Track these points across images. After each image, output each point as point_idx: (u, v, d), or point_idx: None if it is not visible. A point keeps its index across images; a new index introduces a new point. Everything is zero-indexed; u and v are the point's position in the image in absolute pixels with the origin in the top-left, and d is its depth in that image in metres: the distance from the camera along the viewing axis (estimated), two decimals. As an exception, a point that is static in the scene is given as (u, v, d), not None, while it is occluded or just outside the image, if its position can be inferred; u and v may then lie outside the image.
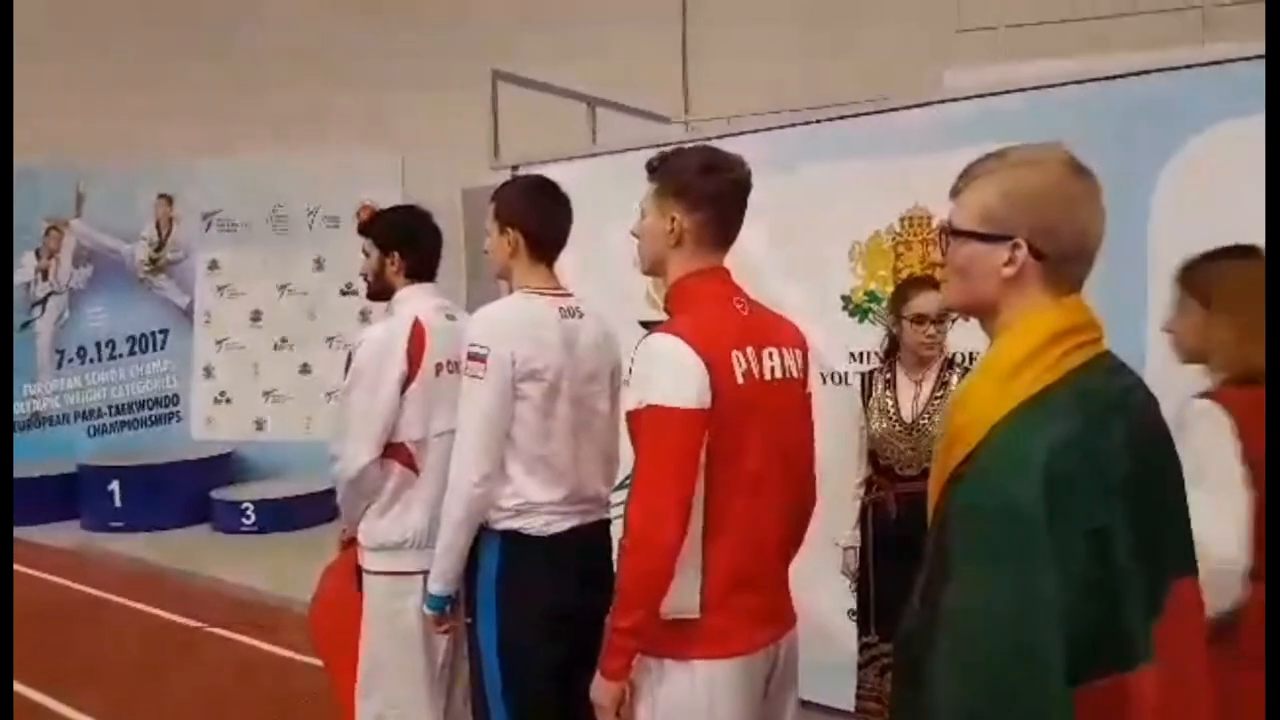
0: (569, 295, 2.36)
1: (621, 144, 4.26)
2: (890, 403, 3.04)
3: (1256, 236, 2.68)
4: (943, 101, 3.37)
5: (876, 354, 3.53)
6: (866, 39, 5.48)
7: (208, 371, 8.37)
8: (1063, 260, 1.27)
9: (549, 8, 6.83)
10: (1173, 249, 2.86)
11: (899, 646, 1.40)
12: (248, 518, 7.15)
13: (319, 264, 7.87)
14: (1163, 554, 1.25)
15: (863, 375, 3.19)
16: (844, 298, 3.54)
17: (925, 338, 2.93)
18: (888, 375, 3.10)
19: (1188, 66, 2.93)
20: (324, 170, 7.44)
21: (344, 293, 7.64)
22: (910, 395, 3.03)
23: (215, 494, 7.41)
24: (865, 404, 3.10)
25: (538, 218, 2.33)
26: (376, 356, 2.50)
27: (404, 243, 2.64)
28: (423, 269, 2.65)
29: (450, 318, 2.60)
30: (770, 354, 1.84)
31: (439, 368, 2.51)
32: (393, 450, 2.51)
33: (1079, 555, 1.15)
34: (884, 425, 3.02)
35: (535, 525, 2.23)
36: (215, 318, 8.33)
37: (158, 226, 8.50)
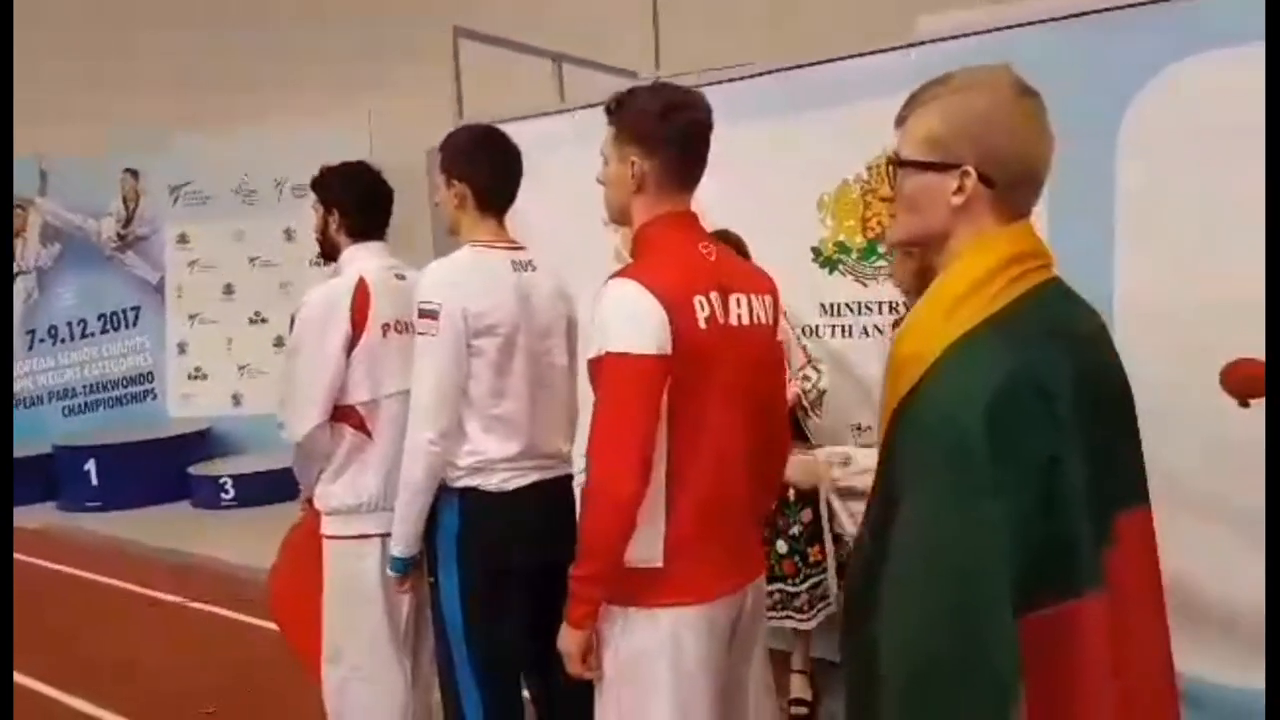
0: (521, 248, 2.31)
1: (589, 100, 4.20)
2: None
3: (1219, 167, 2.68)
4: (908, 46, 3.30)
5: (848, 305, 3.53)
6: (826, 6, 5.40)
7: (181, 348, 8.29)
8: (1011, 186, 1.24)
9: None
10: (1140, 186, 2.88)
11: (848, 580, 1.38)
12: (226, 492, 7.11)
13: (289, 235, 7.76)
14: (1113, 484, 1.23)
15: (894, 324, 3.18)
16: (813, 249, 3.49)
17: None
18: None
19: (1153, 1, 2.89)
20: (291, 139, 7.27)
21: (314, 263, 7.48)
22: None
23: (193, 470, 7.36)
24: None
25: (484, 169, 2.27)
26: (319, 318, 2.44)
27: (345, 199, 2.56)
28: (368, 227, 2.58)
29: (400, 277, 2.53)
30: (738, 300, 1.80)
31: (386, 328, 2.45)
32: (342, 413, 2.46)
33: (1026, 484, 1.13)
34: None
35: (493, 482, 2.20)
36: (187, 293, 8.24)
37: (125, 202, 8.37)
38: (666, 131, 1.78)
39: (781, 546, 3.27)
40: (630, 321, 1.68)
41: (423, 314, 2.14)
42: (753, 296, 1.84)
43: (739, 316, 1.80)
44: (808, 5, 5.66)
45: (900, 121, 1.31)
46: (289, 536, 2.75)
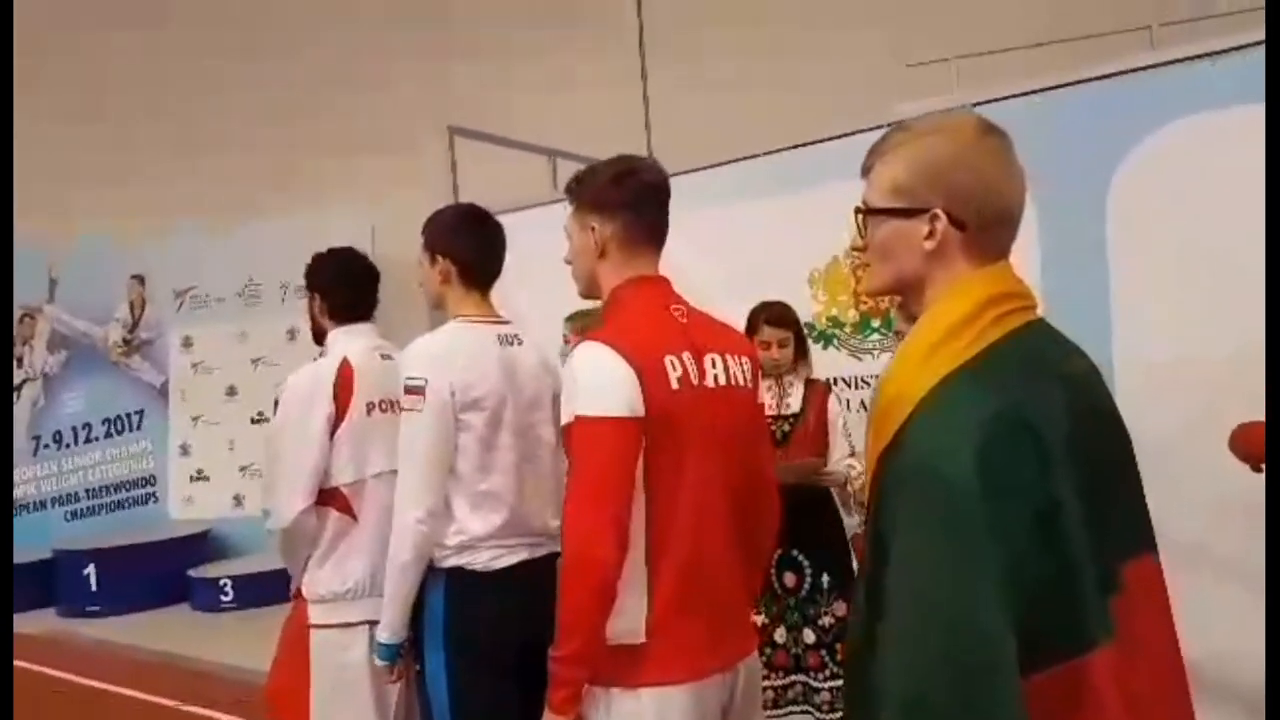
0: (506, 322, 2.31)
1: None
2: None
3: (1208, 231, 2.71)
4: (890, 125, 3.37)
5: (844, 380, 3.52)
6: (818, 76, 5.56)
7: (184, 449, 8.25)
8: (983, 227, 1.21)
9: (511, 69, 6.92)
10: (1131, 249, 2.90)
11: (846, 647, 1.33)
12: (226, 594, 6.98)
13: (292, 335, 7.79)
14: (1116, 529, 1.17)
15: None
16: (807, 324, 3.49)
17: None
18: None
19: (1135, 70, 2.96)
20: (294, 239, 7.43)
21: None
22: None
23: (193, 573, 7.24)
24: None
25: (468, 244, 2.29)
26: (303, 400, 2.43)
27: (327, 283, 2.59)
28: (353, 309, 2.59)
29: (386, 357, 2.53)
30: (713, 360, 1.77)
31: (370, 407, 2.44)
32: (327, 496, 2.43)
33: (1022, 533, 1.07)
34: None
35: (480, 560, 2.14)
36: (190, 395, 8.24)
37: (131, 307, 8.46)
38: (620, 195, 1.80)
39: (809, 636, 3.14)
40: (598, 384, 1.65)
41: (409, 390, 2.12)
42: (729, 357, 1.81)
43: (715, 377, 1.76)
44: (791, 98, 5.82)
45: (866, 171, 1.30)
46: (284, 629, 2.69)
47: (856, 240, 1.32)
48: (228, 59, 8.18)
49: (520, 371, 2.22)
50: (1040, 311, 1.26)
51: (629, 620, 1.67)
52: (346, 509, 2.43)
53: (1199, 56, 2.79)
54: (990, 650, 1.05)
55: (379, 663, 2.24)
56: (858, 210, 1.29)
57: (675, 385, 1.69)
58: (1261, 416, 2.01)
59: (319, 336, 2.63)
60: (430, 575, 2.16)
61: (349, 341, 2.53)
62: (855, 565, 3.14)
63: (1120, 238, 2.94)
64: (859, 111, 3.72)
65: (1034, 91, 3.13)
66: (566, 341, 3.65)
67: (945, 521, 1.08)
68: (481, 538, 2.14)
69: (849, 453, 3.17)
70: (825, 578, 3.12)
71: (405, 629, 2.19)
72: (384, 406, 2.44)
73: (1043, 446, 1.10)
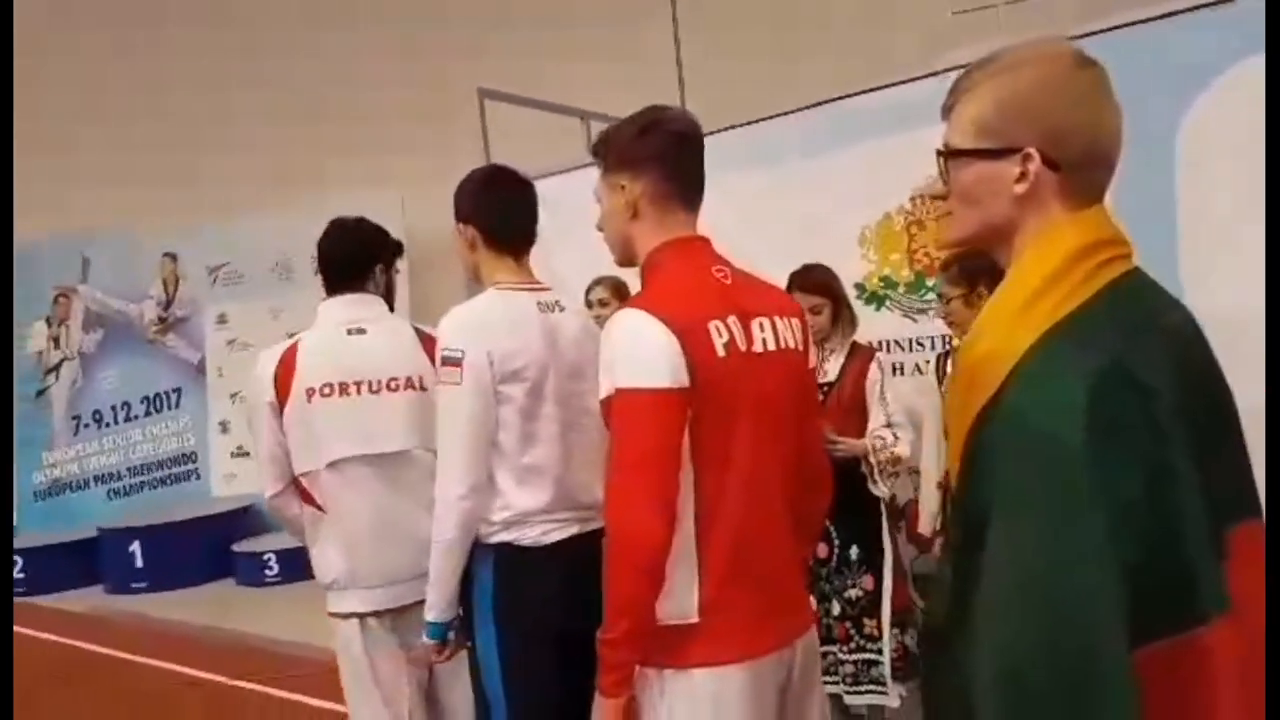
0: (546, 288, 2.20)
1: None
2: None
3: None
4: (944, 71, 3.22)
5: (897, 342, 3.39)
6: (865, 33, 5.36)
7: (223, 427, 8.29)
8: (1079, 167, 1.11)
9: (542, 36, 6.77)
10: (1201, 194, 2.74)
11: (929, 623, 1.23)
12: (270, 569, 7.02)
13: None
14: (1224, 492, 1.07)
15: (937, 359, 3.06)
16: (857, 285, 3.38)
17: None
18: None
19: (1197, 8, 2.78)
20: (325, 214, 7.35)
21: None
22: None
23: (236, 547, 7.29)
24: (940, 387, 2.97)
25: (493, 207, 2.17)
26: (253, 384, 2.37)
27: (320, 254, 2.47)
28: (339, 279, 2.44)
29: (358, 331, 2.38)
30: (760, 324, 1.66)
31: (311, 393, 2.30)
32: (294, 486, 2.37)
33: (1133, 496, 0.98)
34: None
35: (530, 536, 2.05)
36: (227, 371, 8.25)
37: (164, 285, 8.47)
38: (648, 148, 1.68)
39: (836, 608, 3.08)
40: (640, 354, 1.55)
41: (445, 362, 2.02)
42: (777, 319, 1.69)
43: (764, 342, 1.65)
44: (831, 47, 5.63)
45: (948, 110, 1.19)
46: None
47: (937, 187, 1.21)
48: (259, 33, 8.11)
49: (562, 339, 2.12)
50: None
51: (679, 600, 1.60)
52: (309, 499, 2.35)
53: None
54: (1097, 625, 0.97)
55: (427, 641, 2.15)
56: (940, 153, 1.18)
57: (722, 352, 1.59)
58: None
59: None
60: (478, 551, 2.08)
61: (327, 314, 2.42)
62: (886, 538, 3.08)
63: (1189, 186, 2.78)
64: (904, 64, 3.57)
65: (1093, 33, 2.96)
66: (590, 307, 3.55)
67: (1051, 486, 0.99)
68: (530, 513, 2.05)
69: (884, 422, 3.07)
70: (854, 549, 3.06)
71: (453, 607, 2.11)
72: (330, 390, 2.31)
73: (1152, 405, 1.01)
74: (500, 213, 2.17)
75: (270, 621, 5.82)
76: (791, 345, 1.71)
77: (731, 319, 1.63)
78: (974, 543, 1.05)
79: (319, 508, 2.34)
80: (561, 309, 2.17)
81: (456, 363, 2.00)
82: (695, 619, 1.60)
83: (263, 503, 7.61)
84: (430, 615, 2.11)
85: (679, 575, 1.58)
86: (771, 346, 1.67)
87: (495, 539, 2.06)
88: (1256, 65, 2.65)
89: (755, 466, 1.63)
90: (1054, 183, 1.10)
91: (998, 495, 1.03)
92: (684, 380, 1.55)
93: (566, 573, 2.05)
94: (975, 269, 2.85)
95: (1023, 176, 1.10)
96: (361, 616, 2.32)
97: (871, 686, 3.06)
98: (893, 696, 3.07)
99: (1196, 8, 2.81)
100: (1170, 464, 1.01)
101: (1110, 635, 0.96)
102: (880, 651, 3.06)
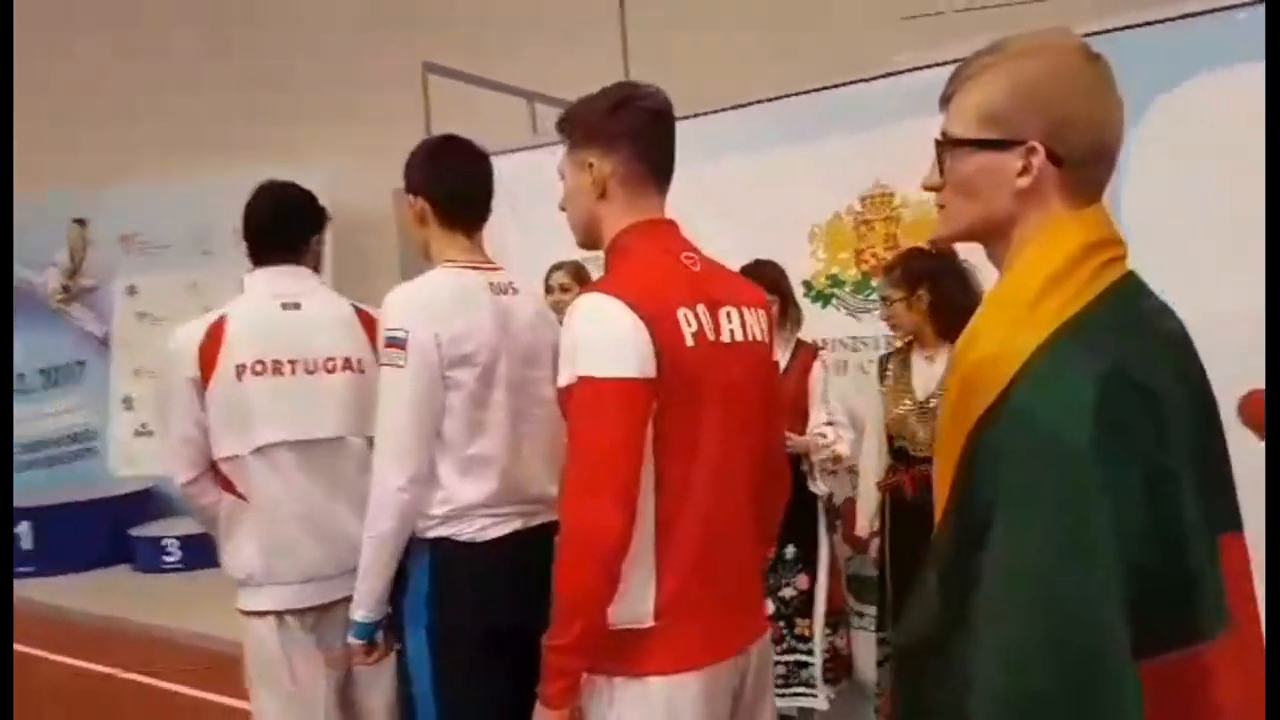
0: (499, 269, 2.08)
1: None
2: (905, 383, 2.93)
3: (1223, 189, 2.59)
4: (895, 73, 3.21)
5: (841, 342, 3.37)
6: (809, 34, 5.36)
7: (127, 403, 7.89)
8: (1082, 163, 1.08)
9: (486, 7, 6.59)
10: (1146, 210, 2.77)
11: (908, 632, 1.16)
12: (170, 555, 6.69)
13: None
14: (1214, 501, 1.05)
15: (880, 360, 3.07)
16: (805, 283, 3.35)
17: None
18: (904, 355, 2.99)
19: (1152, 23, 2.82)
20: (253, 184, 7.06)
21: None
22: (924, 373, 2.91)
23: (134, 531, 6.92)
24: (882, 388, 2.99)
25: (442, 178, 2.03)
26: (170, 362, 2.15)
27: (244, 223, 2.27)
28: (266, 250, 2.25)
29: (292, 306, 2.21)
30: (728, 313, 1.59)
31: (241, 370, 2.12)
32: (214, 472, 2.18)
33: (1140, 504, 0.95)
34: (903, 406, 2.92)
35: (469, 530, 1.93)
36: (134, 345, 7.85)
37: (71, 253, 8.03)
38: (619, 125, 1.60)
39: (770, 607, 3.04)
40: (605, 340, 1.46)
41: (389, 343, 1.89)
42: (745, 310, 1.63)
43: (731, 332, 1.59)
44: (777, 48, 5.62)
45: (947, 99, 1.15)
46: None
47: (930, 178, 1.15)
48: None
49: (515, 322, 2.00)
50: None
51: (635, 603, 1.51)
52: (229, 487, 2.17)
53: (1220, 9, 2.66)
54: (1104, 625, 0.93)
55: (354, 641, 2.01)
56: (938, 142, 1.13)
57: (690, 341, 1.51)
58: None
59: None
60: (413, 547, 1.95)
61: (254, 288, 2.23)
62: (823, 537, 3.06)
63: (1134, 201, 2.81)
64: (854, 63, 3.55)
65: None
66: (550, 293, 3.45)
67: (1060, 486, 0.95)
68: (471, 506, 1.93)
69: (826, 420, 3.07)
70: (790, 548, 3.03)
71: (383, 605, 1.98)
72: (262, 367, 2.14)
73: (1156, 409, 0.98)
74: (452, 185, 2.04)
75: (167, 611, 5.54)
76: (758, 337, 1.65)
77: (700, 307, 1.55)
78: (974, 544, 1.00)
79: (240, 496, 2.16)
80: (515, 291, 2.05)
81: (401, 344, 1.87)
82: (651, 623, 1.52)
83: (165, 485, 7.25)
84: (358, 614, 1.97)
85: (635, 576, 1.49)
86: (739, 337, 1.60)
87: (432, 534, 1.93)
88: (1207, 82, 2.69)
89: (721, 463, 1.55)
90: (1056, 178, 1.07)
91: (1002, 495, 0.99)
92: (651, 370, 1.46)
93: (507, 571, 1.94)
94: (917, 272, 2.85)
95: (1026, 170, 1.07)
96: (279, 614, 2.16)
97: (801, 689, 3.03)
98: (821, 699, 3.06)
99: (1148, 24, 2.84)
100: (1173, 469, 0.98)
101: (1117, 636, 0.93)
102: (811, 653, 3.04)
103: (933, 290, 2.83)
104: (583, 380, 1.46)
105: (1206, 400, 1.12)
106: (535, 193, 3.75)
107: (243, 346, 2.14)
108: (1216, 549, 1.03)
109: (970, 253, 2.83)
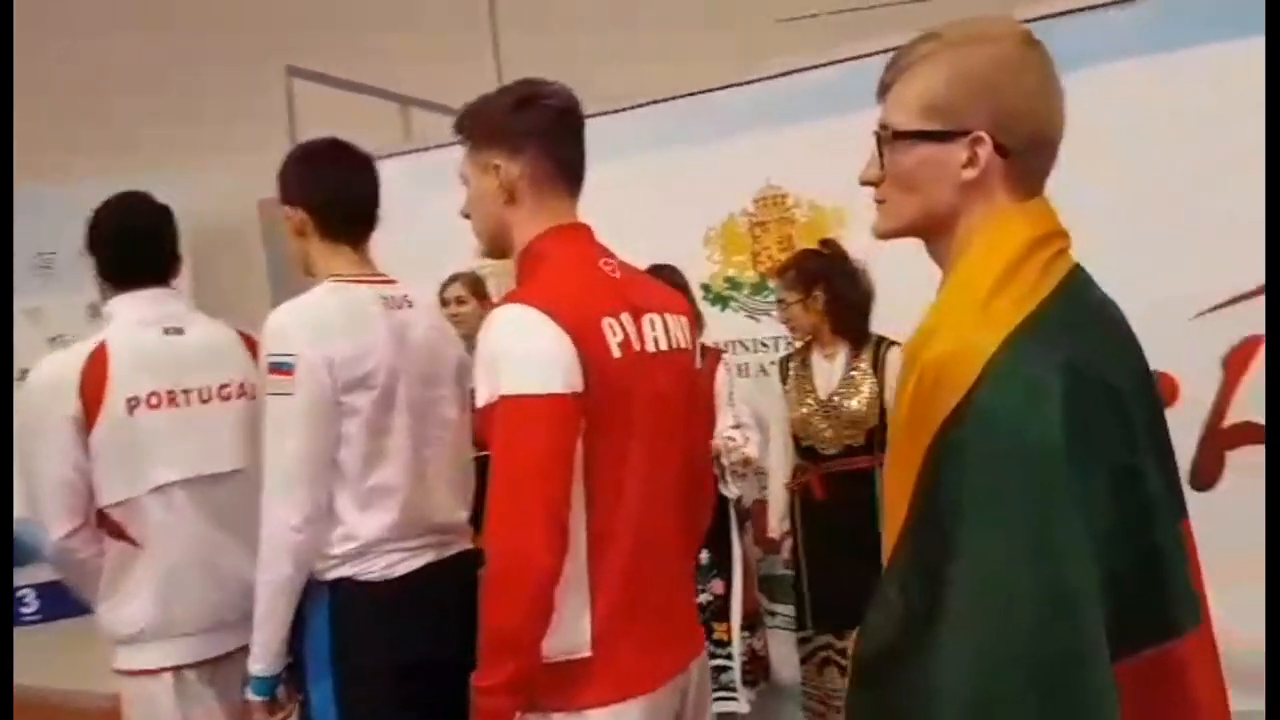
0: (392, 281, 1.93)
1: (439, 140, 3.93)
2: (808, 383, 2.93)
3: (1120, 177, 2.70)
4: (778, 75, 3.22)
5: (741, 343, 3.36)
6: (688, 36, 5.35)
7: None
8: (1026, 154, 1.04)
9: (352, 8, 6.29)
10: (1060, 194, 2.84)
11: (869, 644, 1.12)
12: (27, 605, 6.18)
13: (94, 311, 6.90)
14: (1174, 493, 1.07)
15: (780, 361, 3.07)
16: (704, 286, 3.32)
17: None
18: (803, 355, 2.99)
19: (1044, 17, 2.88)
20: (97, 202, 6.56)
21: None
22: (824, 372, 2.91)
23: (-15, 581, 6.38)
24: (785, 389, 2.99)
25: (321, 186, 1.87)
26: (41, 399, 1.92)
27: (97, 242, 2.05)
28: (129, 272, 2.05)
29: (174, 331, 2.04)
30: (651, 321, 1.52)
31: (133, 403, 1.94)
32: (99, 518, 1.96)
33: (1109, 504, 0.94)
34: (806, 406, 2.92)
35: (376, 569, 1.79)
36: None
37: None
38: (527, 123, 1.51)
39: None
40: (527, 354, 1.37)
41: (274, 369, 1.72)
42: (668, 317, 1.57)
43: (655, 341, 1.52)
44: (652, 52, 5.60)
45: (885, 88, 1.10)
46: None
47: (868, 172, 1.10)
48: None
49: (414, 340, 1.86)
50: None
51: (569, 633, 1.42)
52: (120, 534, 1.96)
53: (1098, 6, 2.75)
54: (1080, 639, 0.90)
55: (253, 698, 1.83)
56: (877, 134, 1.09)
57: (617, 352, 1.44)
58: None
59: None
60: (311, 590, 1.79)
61: (124, 314, 2.02)
62: (737, 542, 3.05)
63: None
64: (736, 65, 3.54)
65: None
66: (445, 306, 3.31)
67: (1029, 488, 0.92)
68: (375, 541, 1.78)
69: (733, 424, 3.04)
70: (704, 554, 2.99)
71: (282, 657, 1.81)
72: (157, 400, 1.96)
73: (1120, 407, 0.97)
74: (332, 193, 1.87)
75: (27, 667, 5.09)
76: (681, 345, 1.59)
77: (624, 316, 1.48)
78: (938, 550, 0.96)
79: (132, 541, 1.96)
80: (410, 305, 1.91)
81: (288, 370, 1.71)
82: (587, 653, 1.43)
83: (23, 528, 6.67)
84: (256, 668, 1.80)
85: (569, 604, 1.40)
86: (664, 346, 1.53)
87: (331, 575, 1.78)
88: (1098, 73, 2.76)
89: (651, 478, 1.48)
90: (1001, 169, 1.04)
91: (968, 498, 0.95)
92: (578, 384, 1.38)
93: (418, 606, 1.80)
94: (811, 273, 2.86)
95: (971, 161, 1.03)
96: (177, 669, 1.96)
97: (721, 693, 3.00)
98: (743, 702, 3.04)
99: (1042, 18, 2.91)
100: (1139, 467, 0.98)
101: (1092, 638, 0.90)
102: (730, 656, 3.02)
103: (827, 290, 2.85)
104: (504, 399, 1.36)
105: (1154, 390, 1.13)
106: (412, 201, 3.62)
107: (131, 378, 1.94)
108: (1184, 542, 1.04)
109: (864, 251, 2.87)
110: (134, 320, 2.01)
